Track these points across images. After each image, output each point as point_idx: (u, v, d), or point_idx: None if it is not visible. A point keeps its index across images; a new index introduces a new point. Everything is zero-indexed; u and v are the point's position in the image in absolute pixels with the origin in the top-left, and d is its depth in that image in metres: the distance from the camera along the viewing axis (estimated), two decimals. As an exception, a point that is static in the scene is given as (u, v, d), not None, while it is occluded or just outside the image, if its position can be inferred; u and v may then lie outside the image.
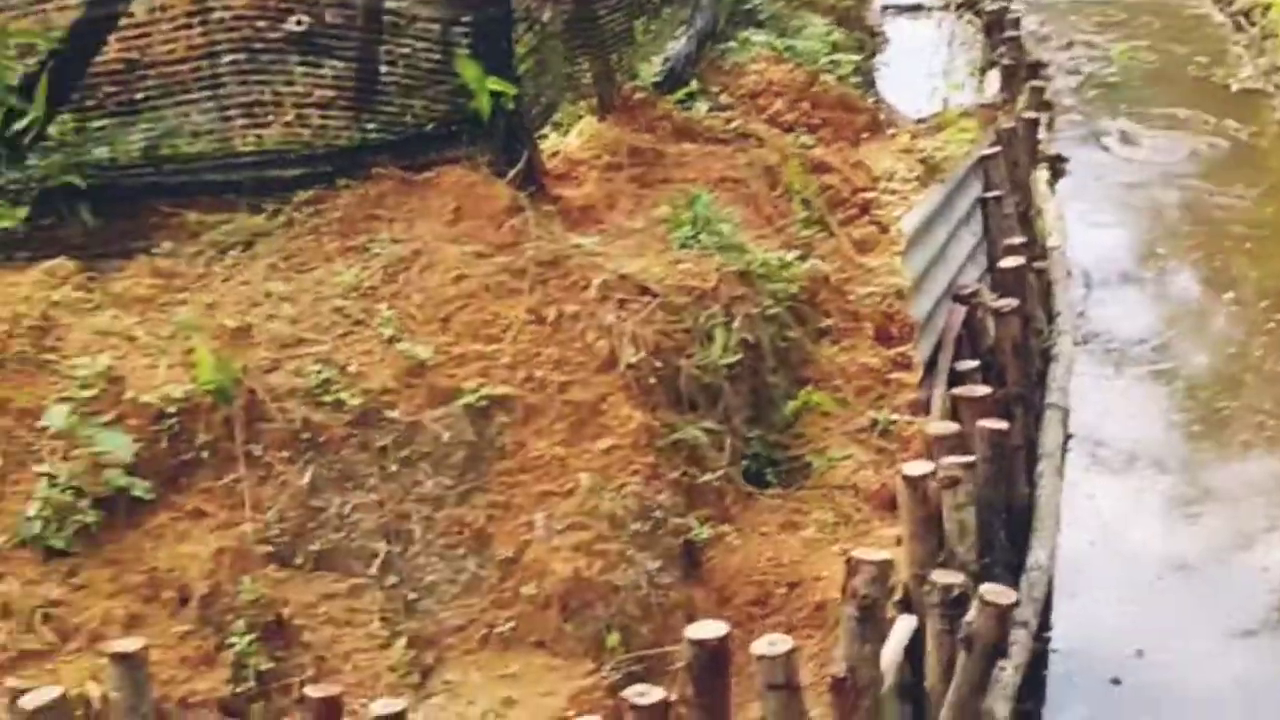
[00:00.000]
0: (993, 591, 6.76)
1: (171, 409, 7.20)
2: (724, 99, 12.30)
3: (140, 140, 8.67)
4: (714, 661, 5.85)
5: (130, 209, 8.49)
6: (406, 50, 8.88)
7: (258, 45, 8.83)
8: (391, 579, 7.17)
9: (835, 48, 14.70)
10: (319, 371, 7.47)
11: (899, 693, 6.90)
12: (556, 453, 7.54)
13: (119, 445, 7.03)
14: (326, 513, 7.23)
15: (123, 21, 8.55)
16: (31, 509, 6.90)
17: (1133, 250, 14.43)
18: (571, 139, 10.23)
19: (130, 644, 6.04)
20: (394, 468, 7.35)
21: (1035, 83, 14.87)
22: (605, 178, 9.74)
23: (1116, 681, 8.97)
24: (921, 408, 8.87)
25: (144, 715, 5.93)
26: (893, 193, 12.02)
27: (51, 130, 8.37)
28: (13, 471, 7.03)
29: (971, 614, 6.71)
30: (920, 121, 14.56)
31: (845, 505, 8.20)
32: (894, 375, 9.24)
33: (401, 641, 6.95)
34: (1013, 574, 8.19)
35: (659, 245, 8.96)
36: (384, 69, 8.89)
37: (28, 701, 5.62)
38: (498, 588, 7.21)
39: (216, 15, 8.71)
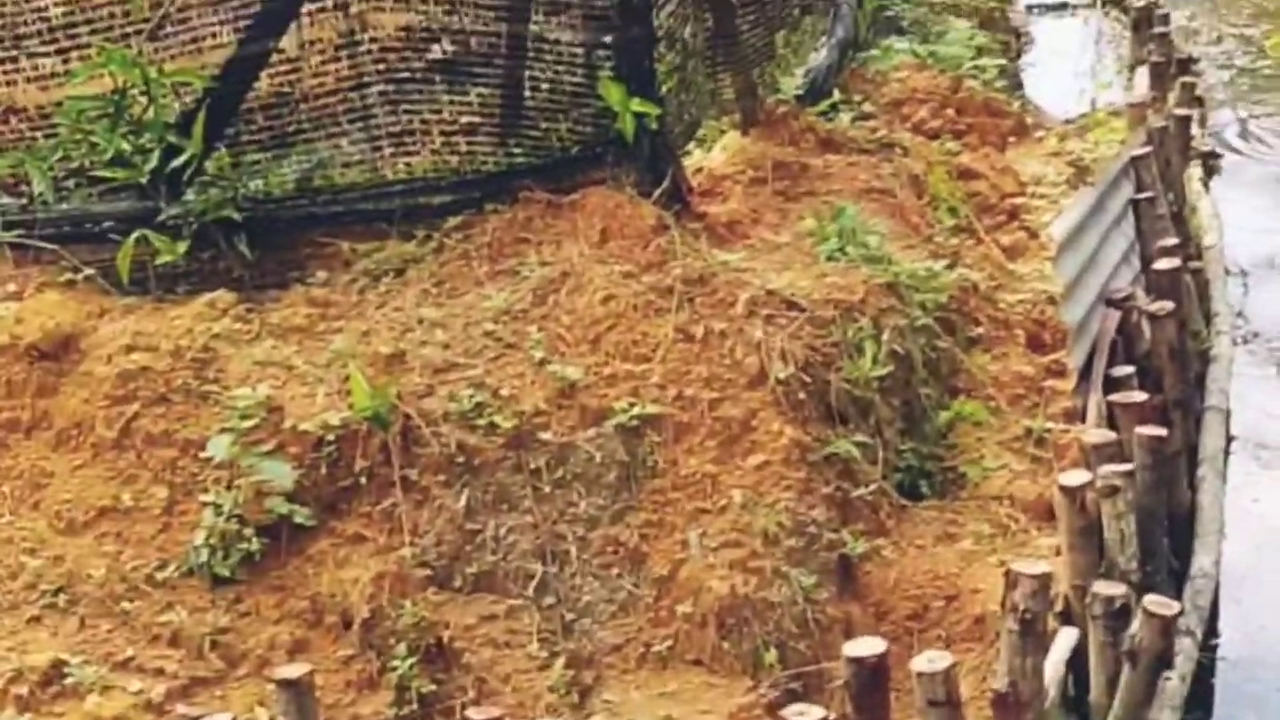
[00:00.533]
0: (1156, 603, 6.68)
1: (330, 436, 7.34)
2: (867, 108, 12.23)
3: (293, 172, 8.85)
4: (873, 679, 5.83)
5: (285, 240, 8.66)
6: (550, 74, 8.95)
7: (404, 74, 8.96)
8: (548, 600, 7.24)
9: (979, 51, 14.53)
10: (472, 395, 7.56)
11: (1063, 706, 6.82)
12: (708, 470, 7.56)
13: (280, 473, 7.19)
14: (483, 535, 7.32)
15: (274, 57, 8.73)
16: (198, 538, 7.10)
17: (1292, 246, 14.10)
18: (715, 155, 10.24)
19: (296, 669, 6.17)
20: (548, 489, 7.42)
21: (1186, 79, 14.59)
22: (750, 192, 9.74)
23: (1287, 690, 8.79)
24: (1077, 415, 8.75)
25: (311, 739, 6.06)
26: (1042, 197, 11.86)
27: (208, 165, 8.56)
28: (179, 501, 7.24)
29: (1135, 626, 6.63)
30: (1068, 123, 14.35)
31: (1002, 516, 8.11)
32: (1048, 383, 9.11)
33: (560, 662, 7.02)
34: (1176, 582, 8.07)
35: (805, 259, 8.94)
36: (528, 93, 8.97)
37: (199, 728, 5.77)
38: (654, 606, 7.25)
39: (364, 47, 8.86)
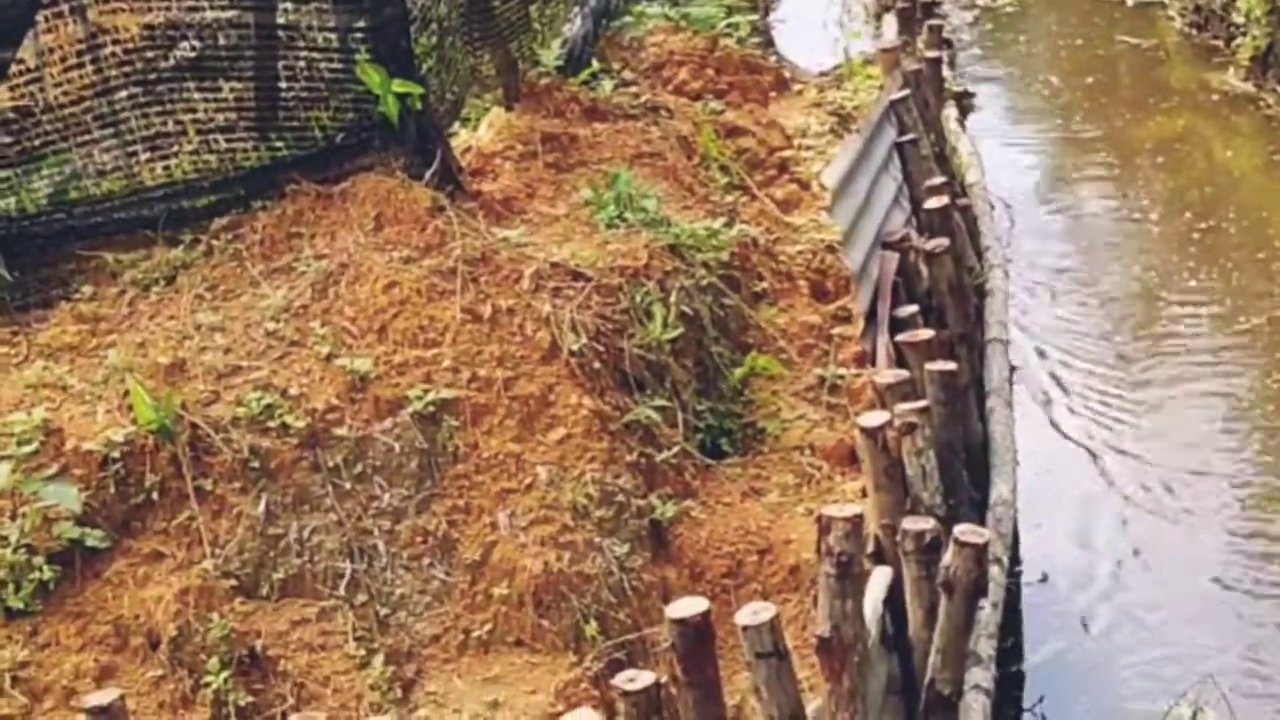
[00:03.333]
0: (966, 532, 6.75)
1: (115, 454, 7.06)
2: (628, 75, 12.22)
3: (46, 187, 8.50)
4: (698, 638, 5.78)
5: (45, 257, 8.32)
6: (305, 62, 8.72)
7: (152, 76, 8.66)
8: (361, 598, 7.06)
9: (730, 10, 14.63)
10: (260, 398, 7.34)
11: (884, 645, 6.87)
12: (510, 449, 7.46)
13: (67, 497, 6.89)
14: (286, 539, 7.11)
15: (12, 69, 8.36)
16: (-13, 573, 6.77)
17: (1049, 177, 14.50)
18: (482, 132, 10.11)
19: (105, 696, 5.90)
20: (348, 485, 7.25)
21: (932, 22, 14.86)
22: (521, 167, 9.64)
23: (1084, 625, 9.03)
24: (867, 359, 8.84)
25: (128, 767, 5.82)
26: (809, 148, 11.98)
27: (-47, 187, 8.19)
28: (-39, 538, 6.90)
29: (948, 557, 6.69)
30: (825, 74, 14.53)
31: (804, 466, 8.16)
32: (835, 330, 9.20)
33: (379, 659, 6.86)
34: (978, 513, 8.20)
35: (585, 229, 8.88)
36: (285, 84, 8.73)
37: (9, 769, 5.50)
38: (469, 592, 7.13)
39: (107, 51, 8.54)
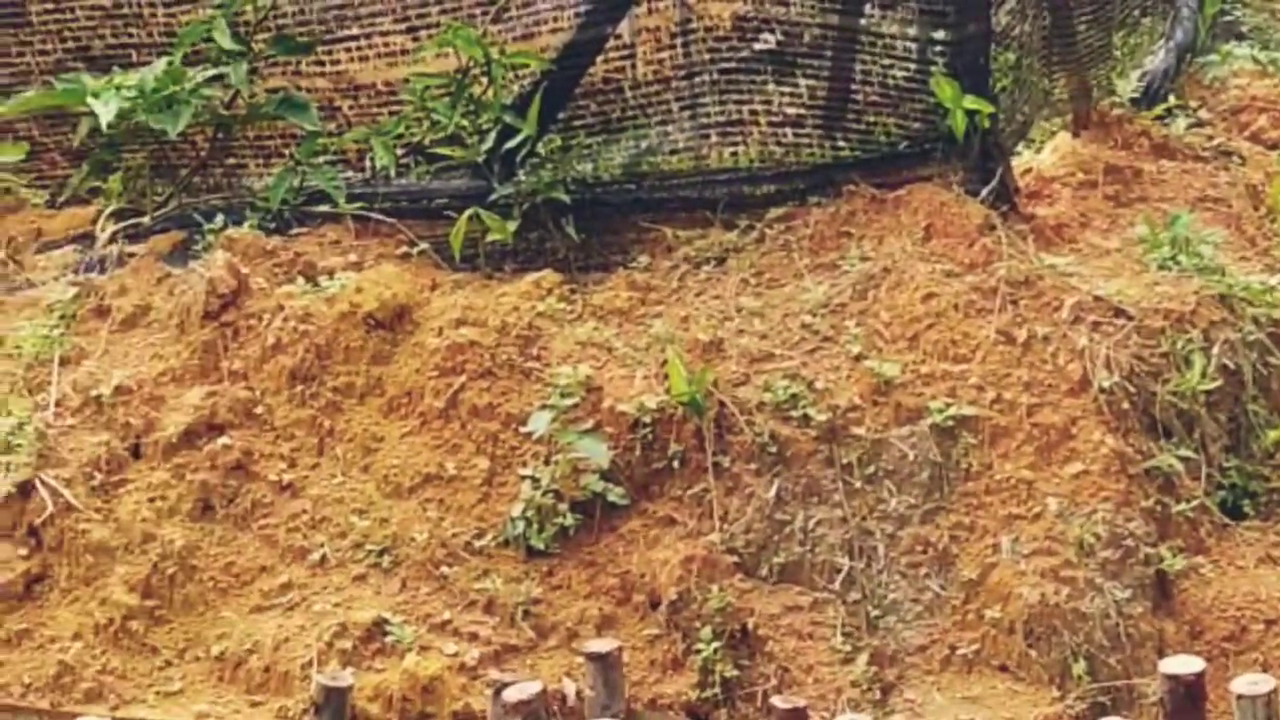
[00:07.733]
0: None
1: (646, 419, 7.47)
2: (1203, 115, 11.84)
3: (622, 157, 8.99)
4: (1190, 698, 5.70)
5: (610, 223, 8.80)
6: (880, 68, 8.90)
7: (733, 64, 9.03)
8: (854, 595, 7.23)
9: (1325, 60, 13.95)
10: (787, 387, 7.59)
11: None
12: (1024, 475, 7.45)
13: (597, 452, 7.33)
14: (791, 526, 7.34)
15: (609, 43, 8.89)
16: (516, 510, 7.29)
17: None
18: (1045, 156, 10.04)
19: (606, 644, 6.31)
20: (858, 484, 7.41)
21: None
22: (1079, 196, 9.53)
23: None
24: None
25: (616, 714, 6.18)
26: (1389, 215, 11.34)
27: (540, 147, 8.76)
28: (499, 473, 7.44)
29: None
30: None
31: (1330, 542, 7.81)
32: (1387, 409, 8.73)
33: (863, 657, 7.01)
34: None
35: (1135, 266, 8.72)
36: (857, 87, 8.95)
37: (511, 694, 5.94)
38: (961, 609, 7.18)
39: (696, 35, 8.96)
